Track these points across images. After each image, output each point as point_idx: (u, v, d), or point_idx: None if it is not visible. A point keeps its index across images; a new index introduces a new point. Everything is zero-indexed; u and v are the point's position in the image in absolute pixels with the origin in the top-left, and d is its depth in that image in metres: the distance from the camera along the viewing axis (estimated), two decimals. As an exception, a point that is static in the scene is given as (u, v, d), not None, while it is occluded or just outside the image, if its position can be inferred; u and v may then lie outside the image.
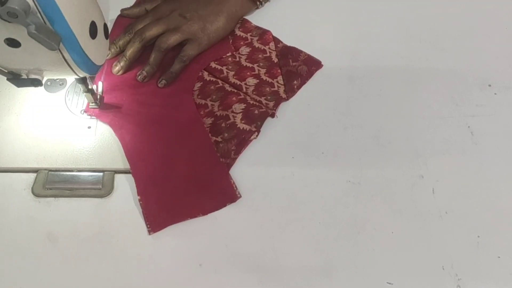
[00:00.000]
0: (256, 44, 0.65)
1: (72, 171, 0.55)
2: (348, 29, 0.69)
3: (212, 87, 0.61)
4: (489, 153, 0.58)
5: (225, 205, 0.53)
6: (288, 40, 0.66)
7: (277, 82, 0.62)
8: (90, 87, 0.54)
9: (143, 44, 0.61)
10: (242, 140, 0.57)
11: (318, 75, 0.64)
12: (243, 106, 0.59)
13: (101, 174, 0.55)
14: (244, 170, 0.56)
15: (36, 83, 0.48)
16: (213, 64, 0.63)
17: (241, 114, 0.58)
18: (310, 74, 0.63)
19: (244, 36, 0.66)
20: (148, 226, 0.52)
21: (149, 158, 0.56)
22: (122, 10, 0.68)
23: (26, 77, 0.48)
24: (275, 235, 0.52)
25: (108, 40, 0.51)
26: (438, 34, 0.68)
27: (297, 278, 0.50)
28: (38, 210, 0.53)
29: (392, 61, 0.65)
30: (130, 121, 0.58)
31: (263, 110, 0.58)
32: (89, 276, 0.49)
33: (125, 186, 0.55)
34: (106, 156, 0.56)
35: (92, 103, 0.58)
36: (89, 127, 0.58)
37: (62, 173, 0.55)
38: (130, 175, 0.55)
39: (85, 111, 0.58)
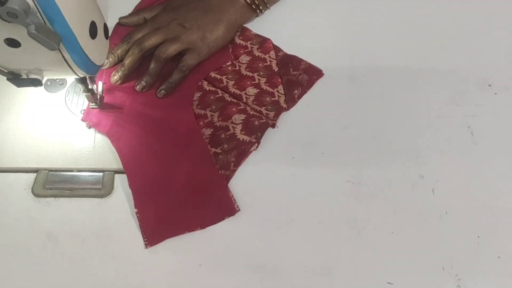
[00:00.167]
0: (256, 53, 0.64)
1: (72, 171, 0.55)
2: (348, 29, 0.69)
3: (212, 97, 0.60)
4: (489, 153, 0.58)
5: (223, 219, 0.52)
6: (288, 40, 0.66)
7: (278, 91, 0.61)
8: (90, 87, 0.54)
9: (141, 54, 0.60)
10: (242, 152, 0.56)
11: (318, 75, 0.64)
12: (243, 116, 0.58)
13: (101, 174, 0.55)
14: (244, 171, 0.56)
15: (36, 83, 0.48)
16: (212, 74, 0.62)
17: (241, 125, 0.58)
18: (311, 83, 0.62)
19: (244, 45, 0.66)
20: (145, 239, 0.51)
21: (146, 170, 0.55)
22: (120, 18, 0.67)
23: (26, 77, 0.48)
24: (275, 235, 0.52)
25: (108, 40, 0.51)
26: (438, 34, 0.68)
27: (297, 278, 0.50)
28: (38, 210, 0.53)
29: (392, 61, 0.65)
30: (128, 131, 0.57)
31: (263, 121, 0.58)
32: (89, 276, 0.49)
33: (125, 186, 0.55)
34: (106, 156, 0.56)
35: (92, 103, 0.58)
36: (89, 127, 0.58)
37: (62, 173, 0.55)
38: (130, 175, 0.55)
39: (82, 120, 0.58)
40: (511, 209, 0.54)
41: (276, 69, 0.63)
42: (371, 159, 0.57)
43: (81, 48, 0.44)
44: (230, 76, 0.62)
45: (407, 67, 0.65)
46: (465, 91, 0.63)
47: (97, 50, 0.48)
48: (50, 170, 0.55)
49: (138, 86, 0.60)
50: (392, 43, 0.67)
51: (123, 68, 0.60)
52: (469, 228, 0.53)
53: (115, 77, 0.60)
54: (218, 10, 0.63)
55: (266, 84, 0.61)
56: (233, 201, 0.53)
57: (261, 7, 0.67)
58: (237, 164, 0.56)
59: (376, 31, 0.68)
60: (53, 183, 0.54)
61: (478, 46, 0.67)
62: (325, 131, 0.59)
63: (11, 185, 0.55)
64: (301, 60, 0.64)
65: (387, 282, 0.49)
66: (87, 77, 0.52)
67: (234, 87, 0.61)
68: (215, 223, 0.52)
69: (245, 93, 0.61)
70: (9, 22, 0.38)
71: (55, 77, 0.61)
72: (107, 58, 0.61)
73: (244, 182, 0.55)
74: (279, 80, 0.62)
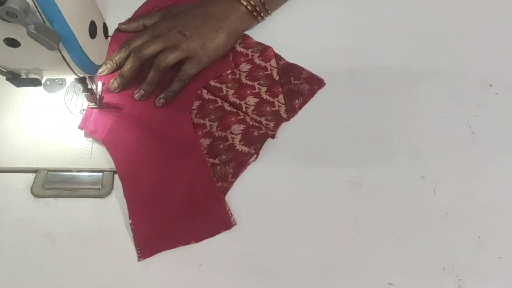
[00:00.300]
0: (257, 61, 0.64)
1: (71, 171, 0.55)
2: (348, 29, 0.69)
3: (211, 106, 0.59)
4: (490, 153, 0.58)
5: (219, 232, 0.51)
6: (288, 41, 0.66)
7: (278, 101, 0.60)
8: (89, 86, 0.54)
9: (141, 62, 0.59)
10: (240, 163, 0.55)
11: (318, 75, 0.63)
12: (242, 127, 0.57)
13: (101, 174, 0.55)
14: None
15: (36, 82, 0.48)
16: (212, 82, 0.62)
17: (240, 135, 0.57)
18: (312, 93, 0.61)
19: (244, 52, 0.65)
20: (138, 251, 0.50)
21: (142, 180, 0.54)
22: (120, 24, 0.66)
23: (26, 77, 0.48)
24: (275, 235, 0.52)
25: (108, 40, 0.51)
26: (439, 34, 0.68)
27: (297, 278, 0.50)
28: (38, 210, 0.53)
29: (392, 61, 0.65)
30: (125, 139, 0.56)
31: (263, 131, 0.57)
32: (88, 276, 0.49)
33: (124, 186, 0.54)
34: (106, 156, 0.56)
35: (91, 103, 0.57)
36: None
37: (61, 173, 0.55)
38: (129, 175, 0.55)
39: (79, 127, 0.57)
40: (512, 209, 0.54)
41: (277, 78, 0.62)
42: (372, 159, 0.57)
43: (80, 48, 0.44)
44: (230, 85, 0.61)
45: (408, 67, 0.65)
46: (466, 91, 0.62)
47: (96, 50, 0.47)
48: (50, 170, 0.55)
49: (137, 95, 0.59)
50: (392, 43, 0.67)
51: (122, 76, 0.59)
52: (470, 229, 0.52)
53: (114, 84, 0.59)
54: (218, 18, 0.62)
55: (267, 94, 0.61)
56: (230, 215, 0.52)
57: (262, 14, 0.66)
58: (235, 175, 0.55)
59: (376, 31, 0.68)
60: (52, 183, 0.54)
61: (478, 46, 0.67)
62: (326, 131, 0.59)
63: (10, 185, 0.54)
64: (303, 69, 0.63)
65: (388, 283, 0.49)
66: (86, 77, 0.52)
67: (234, 96, 0.60)
68: (210, 236, 0.51)
69: (245, 103, 0.60)
70: (8, 21, 0.38)
71: (54, 77, 0.61)
72: (105, 64, 0.60)
73: (243, 187, 0.55)
74: (280, 89, 0.61)
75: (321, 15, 0.70)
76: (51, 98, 0.60)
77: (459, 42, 0.67)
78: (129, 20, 0.67)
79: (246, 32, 0.67)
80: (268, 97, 0.60)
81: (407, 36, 0.68)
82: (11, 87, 0.51)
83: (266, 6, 0.66)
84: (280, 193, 0.55)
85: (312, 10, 0.71)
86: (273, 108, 0.59)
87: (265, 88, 0.61)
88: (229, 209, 0.52)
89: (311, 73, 0.63)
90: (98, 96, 0.57)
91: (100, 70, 0.60)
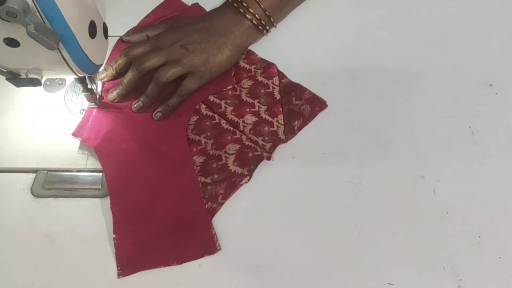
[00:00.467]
0: (260, 78, 0.62)
1: (71, 171, 0.55)
2: (348, 29, 0.69)
3: (208, 123, 0.58)
4: (490, 153, 0.58)
5: (202, 256, 0.50)
6: (288, 41, 0.66)
7: (277, 121, 0.59)
8: (89, 86, 0.54)
9: (141, 75, 0.58)
10: (232, 184, 0.54)
11: (318, 75, 0.63)
12: (237, 147, 0.56)
13: (100, 174, 0.55)
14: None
15: (35, 82, 0.48)
16: (211, 97, 0.60)
17: (234, 155, 0.55)
18: (313, 115, 0.60)
19: (248, 68, 0.63)
20: (119, 268, 0.49)
21: (131, 194, 0.53)
22: (124, 35, 0.65)
23: (25, 77, 0.48)
24: (275, 235, 0.52)
25: (108, 40, 0.51)
26: (438, 34, 0.68)
27: (297, 278, 0.50)
28: (37, 210, 0.53)
29: (392, 61, 0.65)
30: (118, 149, 0.55)
31: (258, 153, 0.56)
32: (88, 276, 0.49)
33: (124, 186, 0.54)
34: (106, 156, 0.56)
35: (91, 103, 0.57)
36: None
37: (61, 173, 0.55)
38: (129, 175, 0.55)
39: (73, 135, 0.56)
40: (512, 209, 0.54)
41: (278, 96, 0.61)
42: (372, 159, 0.57)
43: (80, 48, 0.44)
44: (229, 101, 0.60)
45: (408, 67, 0.65)
46: (466, 91, 0.62)
47: (96, 50, 0.47)
48: (49, 170, 0.55)
49: (135, 105, 0.58)
50: (392, 43, 0.67)
51: (121, 87, 0.58)
52: (470, 229, 0.52)
53: (113, 94, 0.59)
54: (223, 33, 0.61)
55: (266, 113, 0.59)
56: (215, 239, 0.51)
57: (268, 27, 0.65)
58: (225, 197, 0.53)
59: (376, 31, 0.68)
60: (52, 183, 0.54)
61: (478, 46, 0.67)
62: (326, 131, 0.59)
63: (10, 185, 0.54)
64: (305, 89, 0.61)
65: (388, 283, 0.49)
66: (86, 76, 0.52)
67: (232, 113, 0.59)
68: (193, 259, 0.50)
69: (243, 121, 0.59)
70: (8, 21, 0.38)
71: (54, 77, 0.61)
72: (105, 71, 0.60)
73: (244, 186, 0.55)
74: (280, 109, 0.60)
75: (321, 15, 0.70)
76: (51, 98, 0.60)
77: (459, 42, 0.67)
78: (133, 31, 0.66)
79: (250, 47, 0.65)
80: (267, 117, 0.59)
81: (407, 36, 0.68)
82: (11, 87, 0.51)
83: (271, 18, 0.64)
84: (280, 193, 0.55)
85: (312, 10, 0.70)
86: (271, 129, 0.58)
87: (265, 107, 0.60)
88: (215, 233, 0.51)
89: (313, 94, 0.61)
90: (98, 96, 0.57)
91: (100, 77, 0.60)
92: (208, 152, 0.56)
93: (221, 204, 0.53)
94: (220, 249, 0.50)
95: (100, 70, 0.60)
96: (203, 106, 0.60)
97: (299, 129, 0.59)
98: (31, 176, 0.55)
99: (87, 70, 0.47)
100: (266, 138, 0.57)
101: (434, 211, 0.53)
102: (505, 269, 0.50)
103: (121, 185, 0.53)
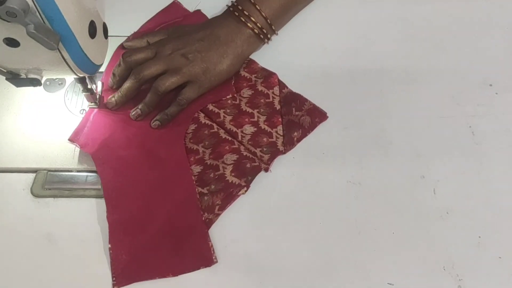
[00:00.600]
0: (260, 87, 0.61)
1: (71, 171, 0.55)
2: (348, 29, 0.69)
3: (206, 132, 0.58)
4: (490, 153, 0.57)
5: (198, 268, 0.49)
6: (288, 40, 0.66)
7: (276, 132, 0.58)
8: (89, 86, 0.54)
9: (140, 84, 0.57)
10: (229, 195, 0.53)
11: (318, 75, 0.63)
12: (235, 157, 0.55)
13: (101, 174, 0.55)
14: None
15: (35, 82, 0.48)
16: (210, 106, 0.60)
17: (232, 166, 0.55)
18: (312, 127, 0.59)
19: (248, 77, 0.62)
20: (114, 279, 0.48)
21: (127, 203, 0.52)
22: (125, 42, 0.65)
23: (25, 77, 0.48)
24: (275, 235, 0.52)
25: (108, 40, 0.51)
26: (438, 34, 0.68)
27: (297, 278, 0.50)
28: (37, 211, 0.53)
29: (392, 61, 0.65)
30: (115, 157, 0.55)
31: (255, 164, 0.55)
32: (88, 276, 0.49)
33: (124, 186, 0.54)
34: (106, 156, 0.56)
35: (91, 103, 0.57)
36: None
37: (61, 173, 0.55)
38: (129, 176, 0.55)
39: (69, 140, 0.56)
40: (512, 209, 0.54)
41: (278, 107, 0.60)
42: (372, 159, 0.57)
43: (80, 48, 0.44)
44: (228, 111, 0.59)
45: (408, 67, 0.65)
46: (466, 91, 0.62)
47: (96, 50, 0.47)
48: (49, 170, 0.55)
49: (133, 113, 0.58)
50: (392, 43, 0.67)
51: (120, 94, 0.58)
52: (470, 229, 0.52)
53: (112, 101, 0.58)
54: (224, 42, 0.60)
55: (265, 123, 0.58)
56: (212, 252, 0.50)
57: (269, 35, 0.64)
58: (222, 208, 0.53)
59: (376, 31, 0.68)
60: (52, 183, 0.54)
61: (478, 45, 0.67)
62: (326, 131, 0.59)
63: (10, 185, 0.54)
64: (306, 100, 0.60)
65: (388, 283, 0.49)
66: (86, 76, 0.52)
67: (231, 123, 0.58)
68: (189, 271, 0.49)
69: (242, 131, 0.58)
70: (8, 21, 0.38)
71: (54, 77, 0.61)
72: (111, 80, 0.60)
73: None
74: (280, 119, 0.59)
75: (321, 15, 0.70)
76: (50, 98, 0.60)
77: (459, 42, 0.67)
78: (133, 37, 0.65)
79: (251, 55, 0.65)
80: (266, 127, 0.58)
81: (407, 36, 0.68)
82: (11, 87, 0.51)
83: (273, 26, 0.63)
84: (280, 193, 0.55)
85: (312, 10, 0.70)
86: (270, 139, 0.57)
87: (264, 117, 0.59)
88: (212, 246, 0.50)
89: (314, 105, 0.60)
90: (98, 96, 0.57)
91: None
92: (205, 162, 0.56)
93: (218, 215, 0.53)
94: (216, 262, 0.50)
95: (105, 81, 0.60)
96: (202, 114, 0.59)
97: (299, 140, 0.58)
98: (31, 176, 0.55)
99: (87, 70, 0.47)
100: (265, 149, 0.57)
101: (434, 211, 0.53)
102: (505, 269, 0.50)
103: (117, 194, 0.53)
